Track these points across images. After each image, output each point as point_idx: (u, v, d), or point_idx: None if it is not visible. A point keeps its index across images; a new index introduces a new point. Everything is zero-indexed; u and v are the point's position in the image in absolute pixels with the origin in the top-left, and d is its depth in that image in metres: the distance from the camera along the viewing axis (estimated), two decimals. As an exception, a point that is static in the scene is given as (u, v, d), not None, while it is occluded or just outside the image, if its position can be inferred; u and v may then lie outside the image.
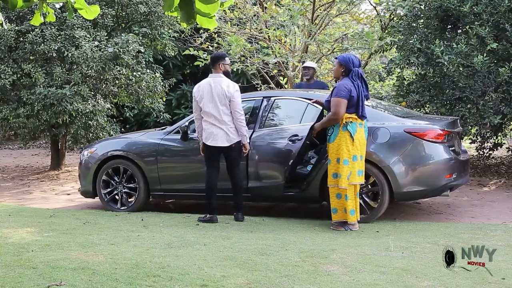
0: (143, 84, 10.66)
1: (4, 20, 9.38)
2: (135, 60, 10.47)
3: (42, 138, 12.91)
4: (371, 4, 11.33)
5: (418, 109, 9.04)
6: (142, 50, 10.78)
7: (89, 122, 10.42)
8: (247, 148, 6.38)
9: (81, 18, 10.17)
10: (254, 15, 11.26)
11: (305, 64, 8.65)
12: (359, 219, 5.96)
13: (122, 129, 14.18)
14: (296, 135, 6.47)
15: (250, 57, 10.94)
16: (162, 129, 7.48)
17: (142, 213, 6.90)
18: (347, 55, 6.12)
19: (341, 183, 5.82)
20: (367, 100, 6.18)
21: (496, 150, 10.23)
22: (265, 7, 11.13)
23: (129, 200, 7.26)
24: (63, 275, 3.93)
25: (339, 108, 5.81)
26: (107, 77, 10.21)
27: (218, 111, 6.21)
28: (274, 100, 6.99)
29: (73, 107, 9.73)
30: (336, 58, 6.26)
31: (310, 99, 6.67)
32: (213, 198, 6.32)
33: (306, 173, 6.64)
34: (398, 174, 6.18)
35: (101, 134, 10.47)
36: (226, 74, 6.40)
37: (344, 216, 5.87)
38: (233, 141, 6.26)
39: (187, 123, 7.04)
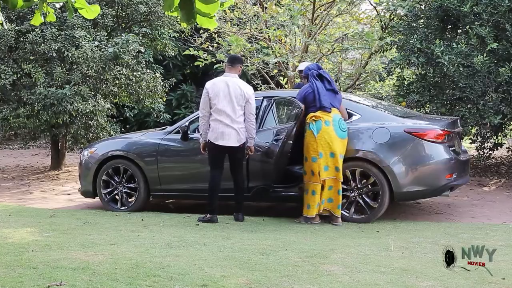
0: (143, 84, 10.66)
1: (4, 20, 9.38)
2: (135, 60, 10.47)
3: (42, 138, 12.92)
4: (371, 4, 11.33)
5: (418, 109, 9.04)
6: (142, 50, 10.78)
7: (89, 122, 10.42)
8: (252, 151, 6.40)
9: (81, 18, 10.17)
10: (254, 15, 11.26)
11: (298, 68, 8.71)
12: (338, 215, 6.18)
13: (122, 129, 14.17)
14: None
15: (250, 57, 10.94)
16: (162, 129, 7.48)
17: (142, 213, 6.90)
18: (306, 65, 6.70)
19: (313, 179, 6.15)
20: (335, 94, 6.37)
21: (496, 150, 10.23)
22: (265, 7, 11.13)
23: (129, 200, 7.26)
24: (63, 275, 3.93)
25: None
26: (107, 77, 10.21)
27: (234, 110, 6.21)
28: (275, 100, 7.00)
29: (73, 107, 9.73)
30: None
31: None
32: (215, 198, 6.32)
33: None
34: (398, 174, 6.18)
35: (101, 134, 10.46)
36: None
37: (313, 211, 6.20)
38: (242, 141, 6.28)
39: (187, 123, 7.04)
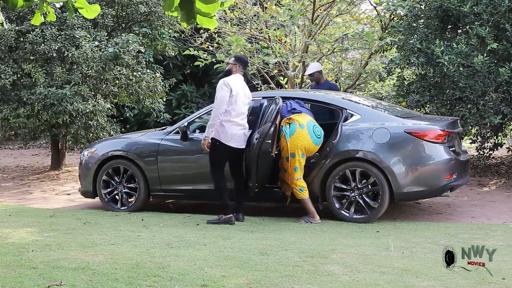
0: (143, 84, 10.65)
1: (5, 20, 9.36)
2: (135, 60, 10.47)
3: (42, 138, 12.89)
4: (371, 4, 11.32)
5: (418, 109, 9.03)
6: (142, 50, 10.78)
7: (89, 122, 10.42)
8: None
9: (82, 18, 10.17)
10: (254, 15, 11.25)
11: (307, 73, 8.71)
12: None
13: (122, 129, 14.16)
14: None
15: (250, 57, 10.92)
16: (162, 129, 7.48)
17: (142, 213, 6.90)
18: None
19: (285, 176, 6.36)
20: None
21: (496, 150, 10.22)
22: (265, 7, 11.12)
23: (129, 200, 7.26)
24: (63, 275, 3.93)
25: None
26: (107, 77, 10.21)
27: (245, 112, 6.29)
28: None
29: (73, 107, 9.72)
30: None
31: (310, 99, 6.72)
32: (227, 198, 6.21)
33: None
34: (398, 175, 6.18)
35: (101, 134, 10.46)
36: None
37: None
38: (246, 142, 6.27)
39: (187, 123, 7.03)
